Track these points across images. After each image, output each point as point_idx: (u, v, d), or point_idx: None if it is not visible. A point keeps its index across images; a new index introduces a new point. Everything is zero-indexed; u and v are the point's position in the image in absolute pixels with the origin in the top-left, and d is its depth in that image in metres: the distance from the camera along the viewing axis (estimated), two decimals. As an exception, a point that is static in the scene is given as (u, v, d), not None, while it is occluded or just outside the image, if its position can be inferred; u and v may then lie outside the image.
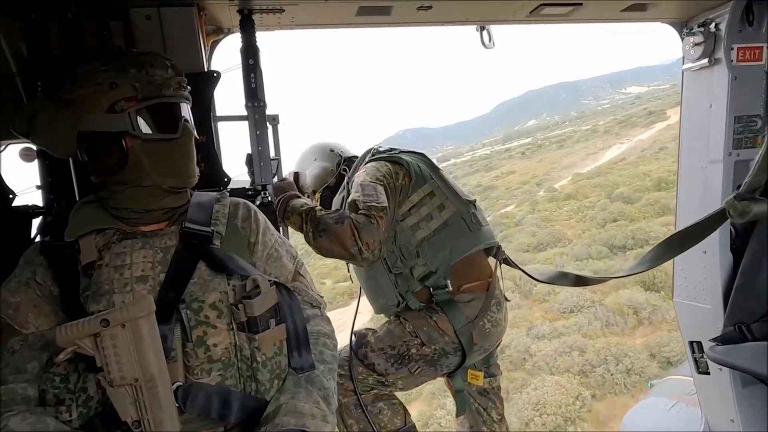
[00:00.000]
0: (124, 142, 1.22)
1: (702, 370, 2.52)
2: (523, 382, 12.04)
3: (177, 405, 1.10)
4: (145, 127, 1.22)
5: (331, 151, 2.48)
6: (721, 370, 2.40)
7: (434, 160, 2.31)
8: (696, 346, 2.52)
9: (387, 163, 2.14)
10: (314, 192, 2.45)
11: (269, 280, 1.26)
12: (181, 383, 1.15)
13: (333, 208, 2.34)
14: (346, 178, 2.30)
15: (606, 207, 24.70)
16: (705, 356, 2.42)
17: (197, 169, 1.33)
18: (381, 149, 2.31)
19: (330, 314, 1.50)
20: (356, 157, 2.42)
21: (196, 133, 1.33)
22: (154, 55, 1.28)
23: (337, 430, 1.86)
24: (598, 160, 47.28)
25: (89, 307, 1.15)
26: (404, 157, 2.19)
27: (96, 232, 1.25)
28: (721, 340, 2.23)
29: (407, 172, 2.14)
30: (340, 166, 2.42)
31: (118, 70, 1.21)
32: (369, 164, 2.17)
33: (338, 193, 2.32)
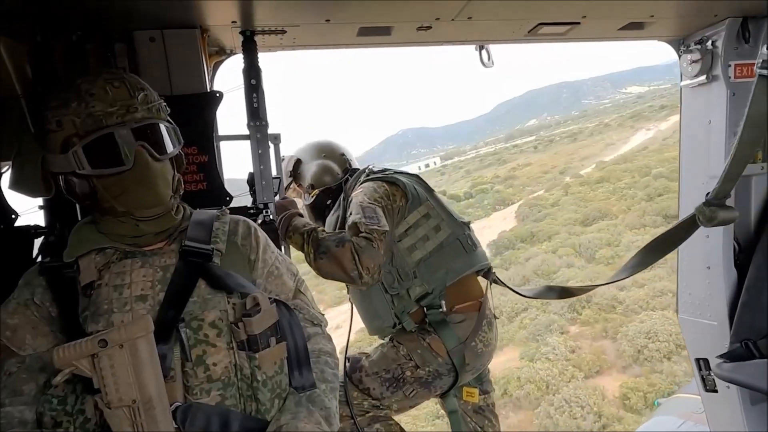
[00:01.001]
0: (85, 180, 1.20)
1: (709, 387, 2.49)
2: (620, 322, 13.59)
3: (176, 426, 1.08)
4: (93, 163, 1.16)
5: (342, 155, 2.42)
6: (728, 387, 2.36)
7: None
8: (703, 364, 2.48)
9: (384, 184, 2.13)
10: (312, 187, 2.36)
11: (269, 298, 1.25)
12: (179, 403, 1.13)
13: (327, 229, 2.32)
14: (342, 194, 2.28)
15: (649, 184, 25.05)
16: (712, 374, 2.39)
17: (168, 192, 1.26)
18: (375, 169, 2.30)
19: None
20: (358, 170, 2.38)
21: (174, 147, 1.26)
22: (96, 81, 1.18)
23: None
24: (618, 150, 46.88)
25: (88, 328, 1.14)
26: (400, 177, 2.19)
27: (96, 251, 1.24)
28: (728, 357, 2.21)
29: (403, 194, 2.14)
30: (346, 173, 2.37)
31: (62, 105, 1.17)
32: (365, 184, 2.15)
33: (332, 212, 2.30)
